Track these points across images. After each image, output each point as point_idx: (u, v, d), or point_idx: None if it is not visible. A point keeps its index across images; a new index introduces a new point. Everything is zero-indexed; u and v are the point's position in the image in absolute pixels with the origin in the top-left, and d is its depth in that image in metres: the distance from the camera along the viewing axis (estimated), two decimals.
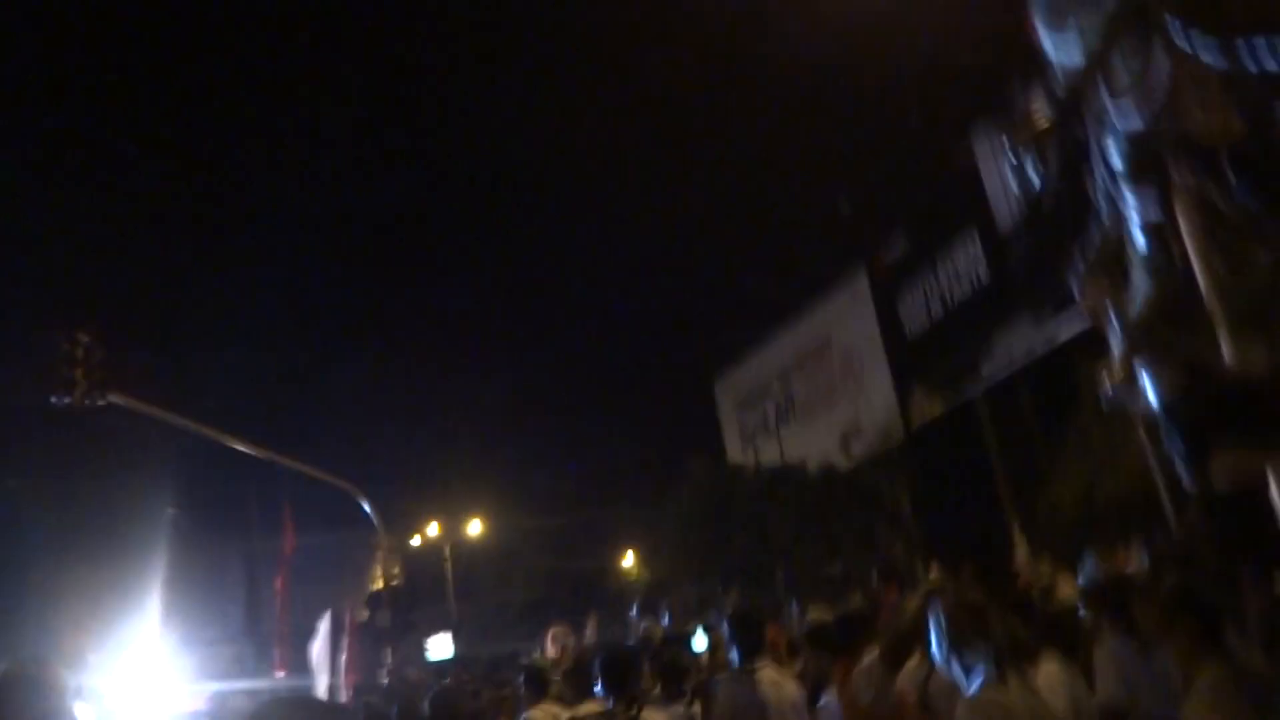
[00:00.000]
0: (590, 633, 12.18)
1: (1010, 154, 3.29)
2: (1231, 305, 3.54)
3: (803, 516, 23.00)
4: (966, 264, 20.35)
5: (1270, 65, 2.84)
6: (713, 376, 30.74)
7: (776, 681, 5.10)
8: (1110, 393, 3.85)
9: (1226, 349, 3.49)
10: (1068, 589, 9.79)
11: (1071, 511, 16.46)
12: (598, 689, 5.22)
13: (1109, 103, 3.30)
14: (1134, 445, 15.91)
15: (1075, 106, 3.28)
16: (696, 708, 5.44)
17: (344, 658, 12.23)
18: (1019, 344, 19.45)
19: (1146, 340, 3.55)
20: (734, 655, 5.22)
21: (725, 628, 5.51)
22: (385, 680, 15.01)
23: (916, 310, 22.08)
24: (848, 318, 24.38)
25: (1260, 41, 2.83)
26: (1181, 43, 3.00)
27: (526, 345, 49.17)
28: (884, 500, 22.76)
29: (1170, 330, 3.54)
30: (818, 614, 6.41)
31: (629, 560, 32.93)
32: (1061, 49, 3.53)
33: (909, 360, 22.50)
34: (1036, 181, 3.27)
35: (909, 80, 20.43)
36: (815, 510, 22.92)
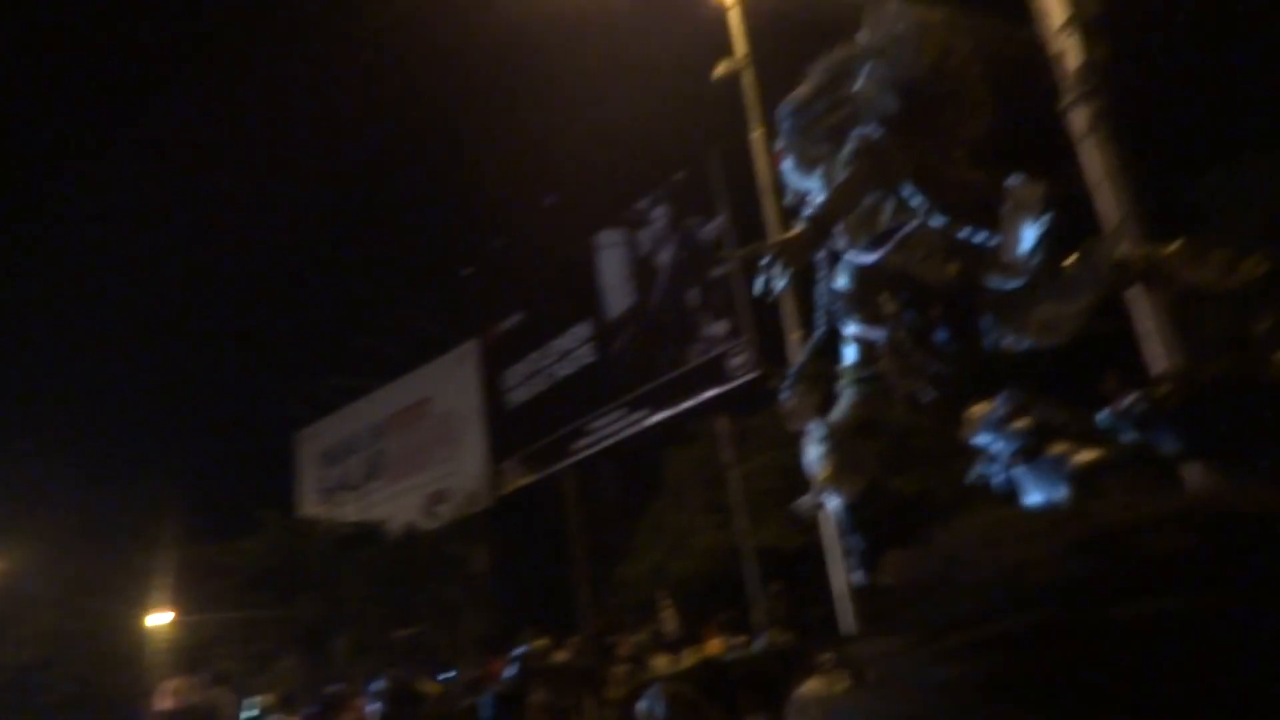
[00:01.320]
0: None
1: (764, 262, 3.62)
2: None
3: (378, 579, 22.32)
4: (574, 346, 21.46)
5: (978, 239, 3.49)
6: (294, 426, 28.99)
7: None
8: (808, 495, 4.29)
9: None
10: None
11: (642, 587, 17.77)
12: None
13: (842, 235, 3.80)
14: (704, 532, 17.75)
15: (825, 230, 3.72)
16: None
17: None
18: (610, 427, 20.75)
19: (839, 446, 4.05)
20: None
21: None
22: None
23: (520, 383, 22.78)
24: (451, 381, 24.47)
25: (970, 226, 3.47)
26: (912, 203, 3.57)
27: (84, 346, 42.61)
28: (465, 566, 22.83)
29: (860, 440, 4.09)
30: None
31: (164, 617, 29.28)
32: (804, 181, 4.01)
33: (506, 430, 23.05)
34: (778, 285, 3.63)
35: (549, 165, 21.43)
36: (392, 573, 22.37)
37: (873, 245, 3.70)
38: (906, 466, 4.08)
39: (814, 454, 4.21)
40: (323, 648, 21.47)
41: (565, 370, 21.77)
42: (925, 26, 3.74)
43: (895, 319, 3.71)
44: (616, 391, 20.22)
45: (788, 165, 4.05)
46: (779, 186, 10.32)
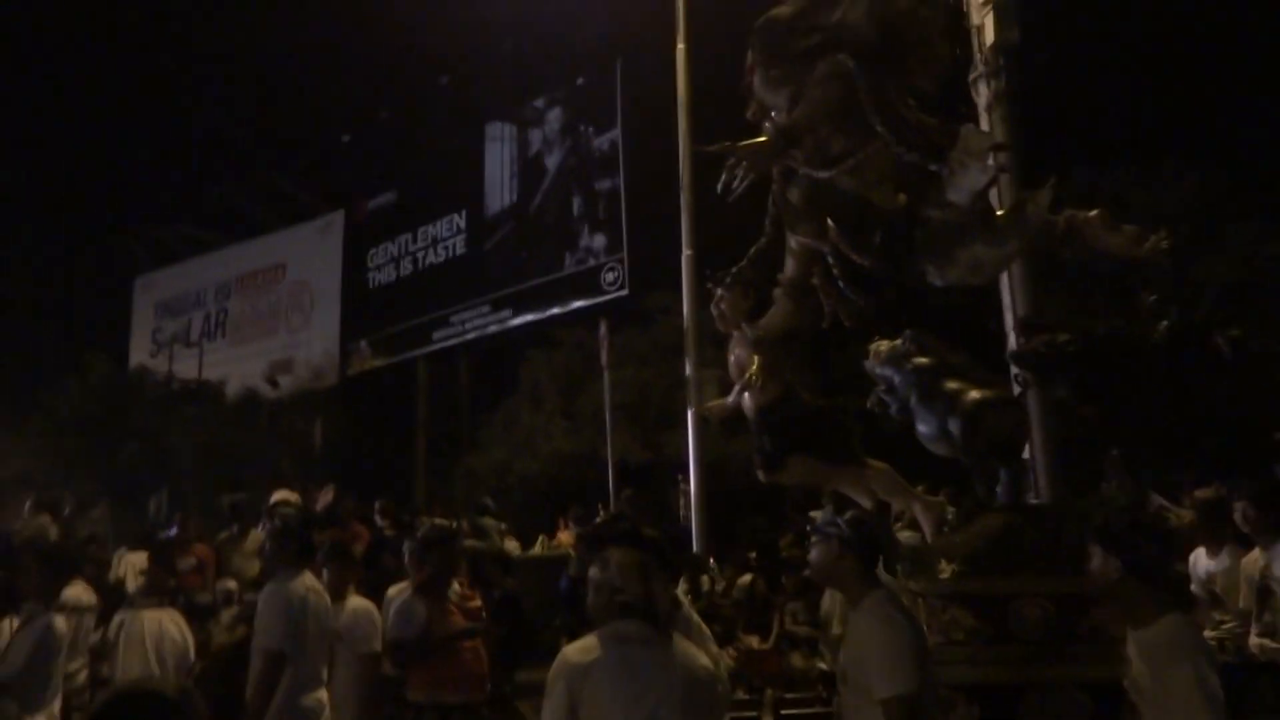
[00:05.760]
0: None
1: (730, 161, 3.79)
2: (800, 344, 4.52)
3: (207, 439, 21.59)
4: (447, 235, 21.10)
5: (928, 175, 3.78)
6: (135, 271, 27.36)
7: None
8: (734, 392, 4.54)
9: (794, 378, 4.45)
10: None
11: (486, 480, 17.95)
12: None
13: (800, 151, 4.01)
14: (555, 436, 18.04)
15: (791, 141, 3.92)
16: None
17: None
18: (473, 322, 20.62)
19: (764, 352, 4.32)
20: None
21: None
22: None
23: (385, 264, 22.28)
24: (311, 250, 23.66)
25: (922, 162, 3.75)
26: (876, 126, 3.81)
27: None
28: (301, 440, 22.37)
29: (783, 348, 4.37)
30: None
31: None
32: (772, 96, 4.18)
33: (363, 309, 22.57)
34: (739, 186, 3.81)
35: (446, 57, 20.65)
36: (223, 436, 21.68)
37: (828, 164, 3.93)
38: (819, 380, 4.40)
39: (740, 356, 4.47)
40: (139, 501, 20.71)
41: (434, 258, 21.44)
42: None
43: (837, 237, 3.98)
44: (485, 287, 20.12)
45: (758, 79, 4.20)
46: (692, 101, 10.49)
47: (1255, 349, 4.51)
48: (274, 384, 22.83)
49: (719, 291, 4.57)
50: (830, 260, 4.16)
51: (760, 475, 4.47)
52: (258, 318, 24.46)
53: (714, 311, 4.61)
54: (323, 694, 4.23)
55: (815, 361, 4.40)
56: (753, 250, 4.51)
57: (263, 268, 24.62)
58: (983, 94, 7.53)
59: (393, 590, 4.99)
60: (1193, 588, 4.86)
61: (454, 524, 8.42)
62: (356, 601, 4.85)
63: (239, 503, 10.13)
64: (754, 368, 4.27)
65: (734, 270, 4.54)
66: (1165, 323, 4.06)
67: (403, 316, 21.48)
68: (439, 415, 21.42)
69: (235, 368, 23.45)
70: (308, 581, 4.26)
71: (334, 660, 4.50)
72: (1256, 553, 4.54)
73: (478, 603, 5.18)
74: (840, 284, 4.14)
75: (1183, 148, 15.61)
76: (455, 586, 4.95)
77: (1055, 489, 4.30)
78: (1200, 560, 4.92)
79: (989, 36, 7.64)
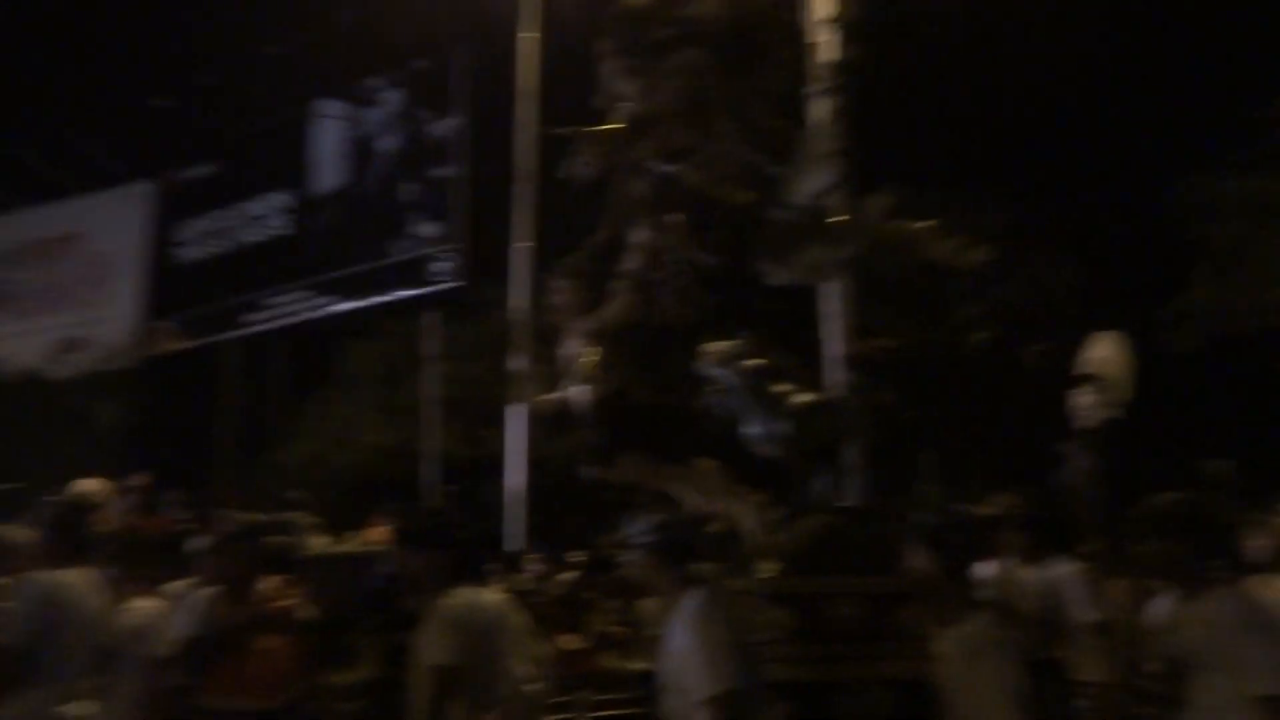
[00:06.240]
0: None
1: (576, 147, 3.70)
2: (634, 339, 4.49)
3: None
4: (267, 213, 20.02)
5: (772, 175, 3.82)
6: None
7: None
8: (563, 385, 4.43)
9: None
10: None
11: (296, 473, 17.14)
12: None
13: (648, 143, 3.97)
14: (372, 429, 17.42)
15: (641, 132, 3.87)
16: None
17: None
18: (291, 307, 19.61)
19: (600, 345, 4.25)
20: None
21: None
22: None
23: (196, 240, 20.91)
24: (113, 220, 21.91)
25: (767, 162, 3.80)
26: (724, 124, 3.82)
27: None
28: (90, 424, 20.70)
29: (619, 343, 4.31)
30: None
31: None
32: (622, 85, 4.12)
33: (168, 287, 21.07)
34: (584, 172, 3.73)
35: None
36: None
37: (674, 158, 3.92)
38: (653, 376, 4.37)
39: (575, 349, 4.38)
40: None
41: (251, 236, 20.25)
42: None
43: (680, 232, 3.97)
44: (305, 271, 19.16)
45: (609, 68, 4.14)
46: (543, 91, 10.31)
47: (1056, 365, 4.82)
48: (63, 363, 21.02)
49: (557, 282, 4.48)
50: (671, 256, 4.15)
51: (589, 471, 4.40)
52: (47, 291, 22.39)
53: (551, 303, 4.51)
54: (89, 706, 3.82)
55: (651, 357, 4.37)
56: (593, 241, 4.44)
57: (56, 235, 22.57)
58: (818, 107, 7.79)
59: (182, 586, 4.63)
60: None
61: (259, 518, 7.95)
62: (145, 602, 4.46)
63: (15, 492, 9.25)
64: (590, 361, 4.19)
65: (573, 261, 4.45)
66: (980, 336, 4.26)
67: (214, 297, 20.19)
68: (249, 403, 20.27)
69: (16, 344, 21.42)
70: (73, 577, 3.85)
71: (116, 667, 4.09)
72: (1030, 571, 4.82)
73: (286, 602, 4.88)
74: (680, 280, 4.13)
75: (991, 178, 16.76)
76: (261, 585, 4.65)
77: (871, 491, 4.44)
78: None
79: (827, 52, 7.93)
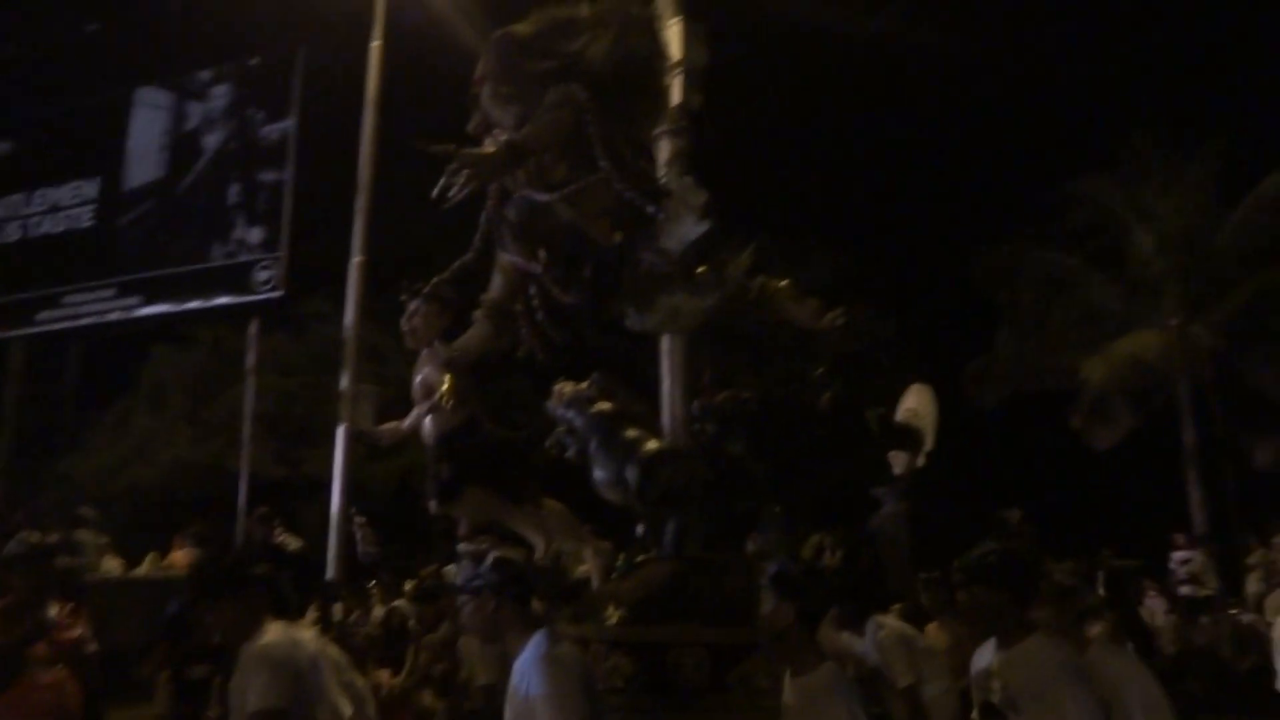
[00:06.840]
0: None
1: (452, 167, 3.54)
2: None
3: None
4: (71, 203, 18.45)
5: (646, 217, 3.80)
6: None
7: None
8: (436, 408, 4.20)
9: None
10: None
11: (87, 488, 15.72)
12: None
13: (523, 171, 3.88)
14: (178, 443, 16.23)
15: (518, 158, 3.77)
16: None
17: None
18: (91, 306, 18.11)
19: (454, 374, 4.08)
20: None
21: None
22: None
23: None
24: None
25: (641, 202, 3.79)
26: (600, 160, 3.78)
27: None
28: None
29: (474, 373, 4.15)
30: None
31: None
32: (498, 112, 4.02)
33: None
34: (457, 194, 3.58)
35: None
36: None
37: (549, 188, 3.84)
38: (506, 411, 4.25)
39: (429, 375, 4.19)
40: None
41: (51, 227, 18.60)
42: (655, 18, 4.01)
43: (547, 265, 3.89)
44: (111, 269, 17.74)
45: (487, 92, 4.03)
46: (384, 101, 9.94)
47: (889, 421, 5.03)
48: None
49: (414, 304, 4.28)
50: (535, 289, 4.05)
51: (432, 505, 4.20)
52: None
53: (405, 326, 4.30)
54: None
55: (504, 390, 4.25)
56: (456, 265, 4.28)
57: None
58: (664, 150, 7.92)
59: None
60: None
61: (44, 538, 7.26)
62: None
63: None
64: (444, 389, 4.02)
65: (433, 283, 4.28)
66: (829, 393, 4.40)
67: (3, 289, 18.41)
68: (35, 409, 18.50)
69: None
70: None
71: None
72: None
73: (75, 632, 4.45)
74: (540, 314, 4.04)
75: (822, 228, 17.55)
76: (48, 612, 4.21)
77: (714, 541, 4.44)
78: None
79: (675, 96, 8.09)
